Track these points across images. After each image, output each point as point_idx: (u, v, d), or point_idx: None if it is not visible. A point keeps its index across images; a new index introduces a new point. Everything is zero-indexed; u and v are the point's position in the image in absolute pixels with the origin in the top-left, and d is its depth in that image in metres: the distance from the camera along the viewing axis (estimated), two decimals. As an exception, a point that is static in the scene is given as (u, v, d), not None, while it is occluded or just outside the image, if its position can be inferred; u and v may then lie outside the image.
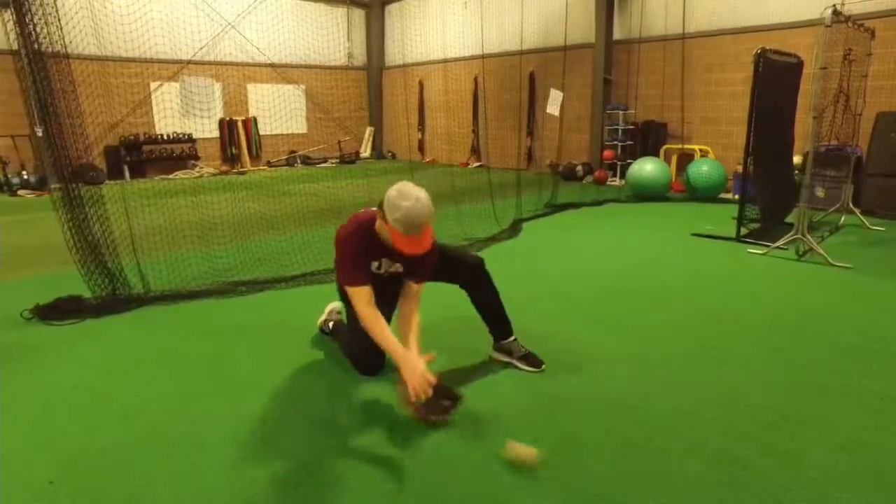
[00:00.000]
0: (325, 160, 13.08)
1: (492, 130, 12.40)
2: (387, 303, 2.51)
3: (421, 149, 13.95)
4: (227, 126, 11.92)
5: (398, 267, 2.50)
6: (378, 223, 2.34)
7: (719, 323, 3.36)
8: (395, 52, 14.00)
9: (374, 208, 2.38)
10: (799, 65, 5.61)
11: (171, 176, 10.88)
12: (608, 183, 9.50)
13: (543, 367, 2.68)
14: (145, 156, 10.94)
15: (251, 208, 6.66)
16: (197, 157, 11.52)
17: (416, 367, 2.16)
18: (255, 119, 12.32)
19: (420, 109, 13.73)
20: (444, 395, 2.26)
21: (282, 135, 12.83)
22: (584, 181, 9.87)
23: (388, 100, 14.43)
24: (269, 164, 12.58)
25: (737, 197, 7.88)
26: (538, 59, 10.85)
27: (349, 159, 13.31)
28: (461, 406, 2.28)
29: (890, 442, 2.16)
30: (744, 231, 5.38)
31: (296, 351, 3.00)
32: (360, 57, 14.20)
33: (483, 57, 11.92)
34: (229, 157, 11.99)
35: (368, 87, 14.38)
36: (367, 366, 2.67)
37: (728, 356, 2.91)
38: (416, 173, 10.60)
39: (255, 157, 12.42)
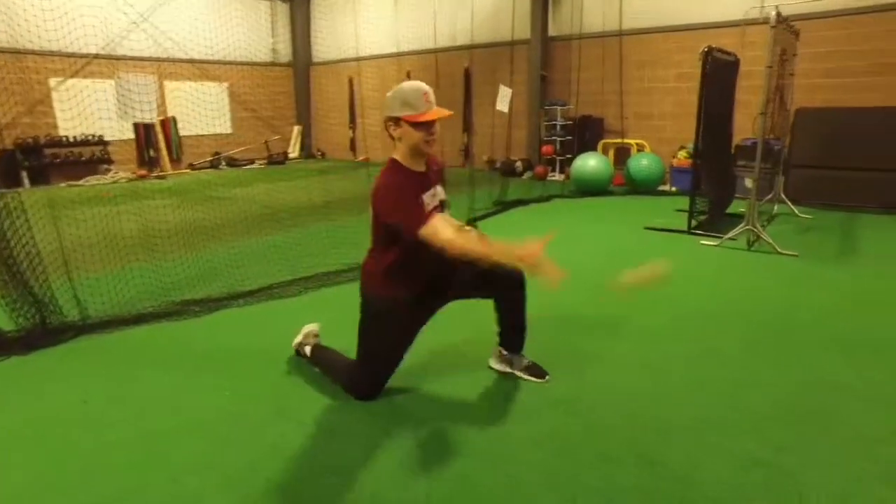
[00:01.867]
0: (252, 161, 12.40)
1: (427, 128, 12.24)
2: (432, 265, 2.31)
3: (353, 147, 13.56)
4: (142, 127, 10.98)
5: (439, 190, 2.38)
6: (397, 153, 2.29)
7: (705, 319, 3.39)
8: (323, 49, 13.50)
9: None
10: (736, 63, 5.86)
11: (80, 182, 9.88)
12: (549, 178, 9.60)
13: (548, 377, 2.57)
14: (48, 160, 9.87)
15: (186, 216, 6.12)
16: (110, 161, 10.55)
17: (514, 250, 2.07)
18: (174, 119, 11.45)
19: (351, 107, 13.32)
20: None
21: (204, 135, 12.02)
22: (523, 177, 9.93)
23: (317, 97, 13.90)
24: (191, 166, 11.74)
25: (674, 189, 8.22)
26: (473, 55, 10.79)
27: (278, 160, 12.71)
28: None
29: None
30: (693, 223, 5.56)
31: (271, 378, 2.71)
32: (285, 53, 13.58)
33: (417, 53, 11.74)
34: (147, 160, 11.07)
35: (295, 85, 13.78)
36: (371, 392, 2.45)
37: (722, 355, 2.92)
38: (350, 173, 10.28)
39: (176, 160, 11.55)
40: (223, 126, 12.44)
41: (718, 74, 5.35)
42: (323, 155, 14.02)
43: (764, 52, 7.30)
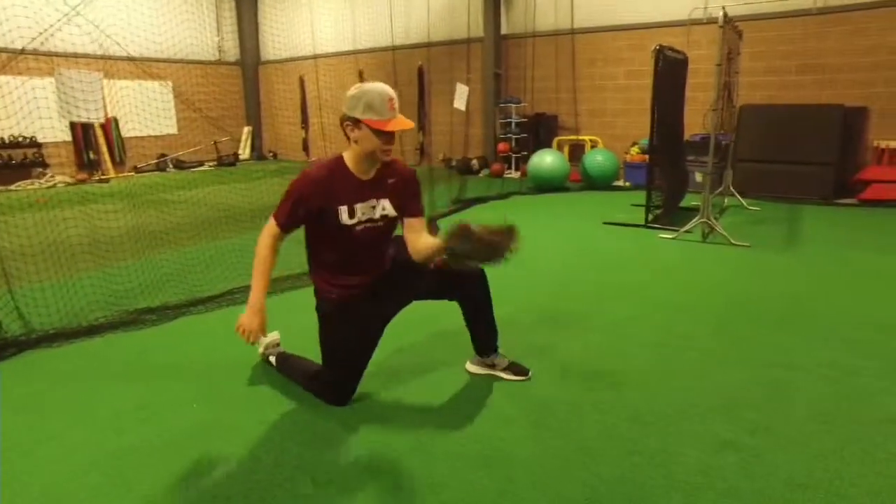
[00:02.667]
0: (201, 163, 11.98)
1: (381, 127, 12.13)
2: (371, 263, 2.34)
3: (306, 148, 13.28)
4: (80, 128, 10.41)
5: (385, 205, 2.28)
6: (348, 153, 2.24)
7: (672, 309, 3.47)
8: (273, 47, 13.17)
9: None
10: (685, 61, 6.05)
11: (12, 187, 9.29)
12: (505, 176, 9.68)
13: (530, 374, 2.57)
14: (-28, 164, 9.24)
15: (135, 220, 5.85)
16: (45, 164, 9.96)
17: (258, 313, 2.22)
18: (115, 119, 10.91)
19: (303, 107, 13.04)
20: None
21: (149, 137, 11.52)
22: (480, 175, 9.98)
23: (267, 97, 13.56)
24: (136, 169, 11.24)
25: (628, 184, 8.44)
26: (426, 53, 10.76)
27: (228, 161, 12.31)
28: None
29: (854, 409, 2.32)
30: (650, 217, 5.71)
31: (241, 387, 2.60)
32: (233, 51, 13.17)
33: (370, 51, 11.61)
34: (87, 163, 10.51)
35: (244, 84, 13.40)
36: (340, 397, 2.38)
37: (690, 343, 3.00)
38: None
39: (120, 163, 11.02)
40: (169, 127, 11.96)
41: (670, 72, 5.52)
42: (275, 156, 13.69)
43: (708, 50, 7.60)
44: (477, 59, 10.13)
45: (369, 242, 2.33)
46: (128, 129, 11.18)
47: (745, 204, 6.52)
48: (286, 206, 2.21)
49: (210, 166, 11.97)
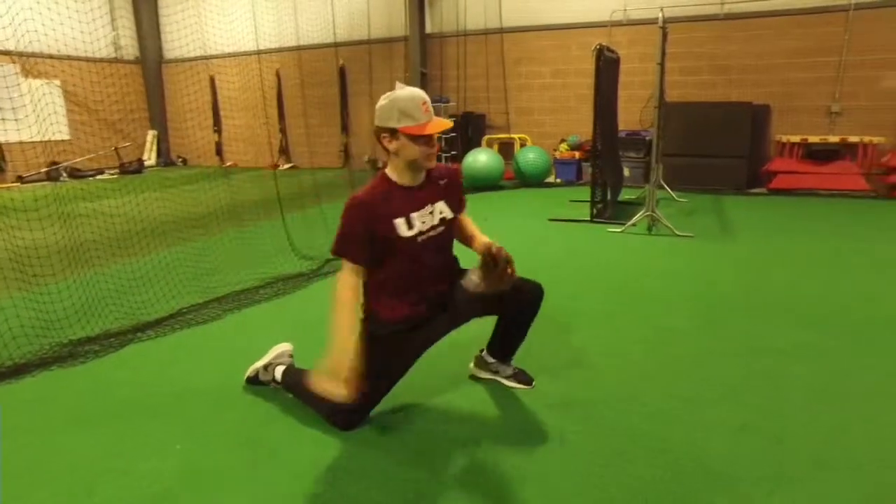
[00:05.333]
0: (101, 171, 10.90)
1: (300, 129, 11.69)
2: (439, 276, 2.20)
3: (219, 152, 12.49)
4: (-50, 134, 9.10)
5: (441, 207, 2.16)
6: (390, 167, 2.12)
7: (645, 302, 3.54)
8: (177, 44, 12.22)
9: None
10: (618, 60, 6.27)
11: None
12: (437, 176, 9.61)
13: (534, 384, 2.49)
14: None
15: (35, 238, 5.14)
16: None
17: (346, 350, 1.95)
18: (-9, 124, 9.64)
19: (214, 108, 12.25)
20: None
21: (35, 142, 10.26)
22: (411, 176, 9.85)
23: (173, 98, 12.59)
24: (21, 179, 10.00)
25: (559, 181, 8.65)
26: (347, 52, 10.46)
27: (133, 168, 11.29)
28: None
29: (843, 387, 2.46)
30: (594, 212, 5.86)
31: (224, 419, 2.31)
32: (131, 48, 12.09)
33: (288, 50, 11.11)
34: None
35: (146, 84, 12.35)
36: (354, 422, 2.18)
37: (673, 333, 3.06)
38: (220, 180, 9.45)
39: (0, 172, 9.76)
40: (59, 131, 10.74)
41: (607, 70, 5.68)
42: (185, 162, 12.76)
43: (628, 50, 7.95)
44: (400, 58, 9.98)
45: (434, 253, 2.17)
46: (8, 134, 9.91)
47: (674, 196, 6.87)
48: (350, 239, 2.05)
49: (112, 174, 10.91)
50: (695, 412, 2.28)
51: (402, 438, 2.14)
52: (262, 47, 11.17)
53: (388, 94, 2.02)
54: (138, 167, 11.43)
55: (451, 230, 2.23)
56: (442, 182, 2.20)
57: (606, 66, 5.61)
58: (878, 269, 4.09)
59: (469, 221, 2.32)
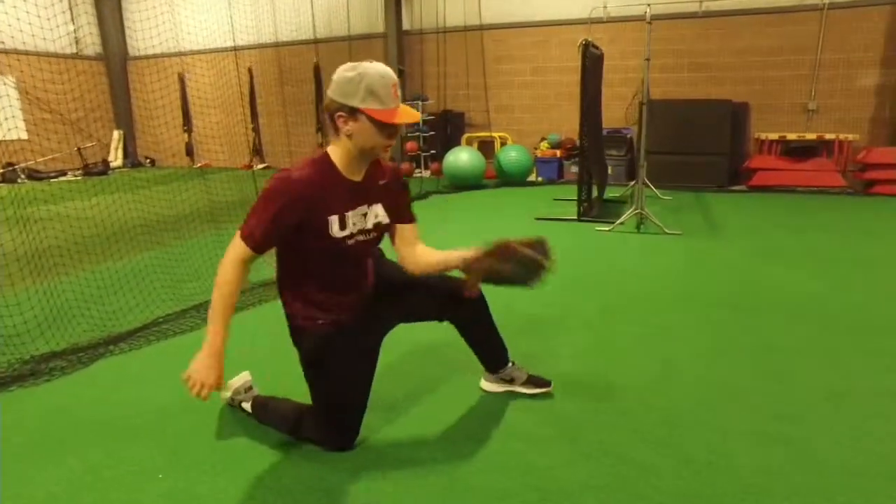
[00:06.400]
0: (63, 173, 10.42)
1: (275, 127, 11.38)
2: (361, 279, 2.01)
3: (189, 153, 12.08)
4: None
5: (378, 211, 1.92)
6: (335, 150, 1.81)
7: (644, 302, 3.44)
8: (143, 40, 11.76)
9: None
10: (602, 57, 6.19)
11: None
12: (415, 175, 9.44)
13: (551, 385, 2.34)
14: None
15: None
16: None
17: (215, 362, 1.74)
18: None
19: (184, 107, 11.84)
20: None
21: (-11, 142, 9.76)
22: (389, 175, 9.65)
23: (140, 96, 12.12)
24: (-25, 182, 9.48)
25: (541, 179, 8.57)
26: (322, 49, 10.21)
27: (98, 170, 10.82)
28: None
29: (850, 386, 2.39)
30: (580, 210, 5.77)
31: (208, 440, 2.11)
32: (93, 44, 11.60)
33: (260, 47, 10.80)
34: None
35: (110, 82, 11.87)
36: (346, 440, 2.00)
37: (674, 333, 2.97)
38: (192, 182, 9.11)
39: (-47, 175, 9.23)
40: (15, 130, 10.22)
41: (591, 67, 5.60)
42: (153, 162, 12.32)
43: (608, 48, 7.90)
44: (376, 55, 9.76)
45: (359, 257, 1.98)
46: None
47: (658, 194, 6.84)
48: (263, 220, 1.73)
49: (76, 176, 10.44)
50: (710, 419, 2.16)
51: (397, 457, 1.98)
52: (231, 44, 10.83)
53: (355, 64, 1.73)
54: (104, 168, 10.96)
55: (381, 238, 2.00)
56: (382, 182, 1.94)
57: (591, 63, 5.52)
58: (861, 266, 4.09)
59: (418, 239, 2.05)
